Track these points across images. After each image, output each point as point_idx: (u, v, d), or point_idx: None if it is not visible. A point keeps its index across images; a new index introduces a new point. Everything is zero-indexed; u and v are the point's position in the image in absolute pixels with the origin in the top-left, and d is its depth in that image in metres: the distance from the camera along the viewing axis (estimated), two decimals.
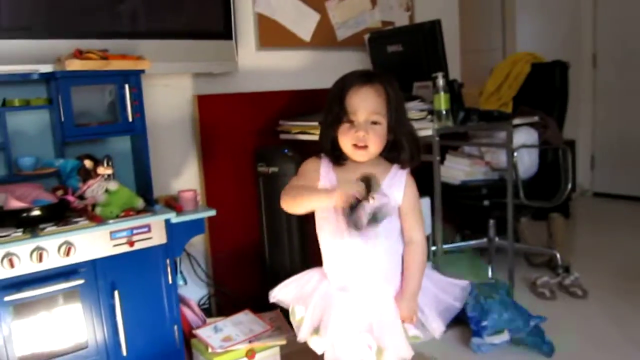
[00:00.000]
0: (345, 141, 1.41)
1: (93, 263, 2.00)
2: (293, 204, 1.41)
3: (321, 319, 1.46)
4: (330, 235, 1.47)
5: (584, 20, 5.01)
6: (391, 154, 1.47)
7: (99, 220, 2.00)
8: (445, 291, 1.53)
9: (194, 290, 2.67)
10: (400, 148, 1.46)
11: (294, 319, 1.54)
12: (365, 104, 1.39)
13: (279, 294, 1.57)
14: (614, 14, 4.84)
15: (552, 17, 4.82)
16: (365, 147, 1.40)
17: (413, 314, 1.46)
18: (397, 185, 1.47)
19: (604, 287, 2.89)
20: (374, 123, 1.40)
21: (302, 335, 1.49)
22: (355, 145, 1.41)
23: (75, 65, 2.02)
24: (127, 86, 2.15)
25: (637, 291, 2.83)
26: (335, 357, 1.46)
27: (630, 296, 2.78)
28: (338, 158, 1.47)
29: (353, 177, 1.41)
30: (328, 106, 1.45)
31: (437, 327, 1.50)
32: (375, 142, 1.41)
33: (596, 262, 3.31)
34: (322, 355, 1.51)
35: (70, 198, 2.08)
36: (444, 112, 2.43)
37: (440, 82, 2.43)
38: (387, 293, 1.47)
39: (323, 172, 1.47)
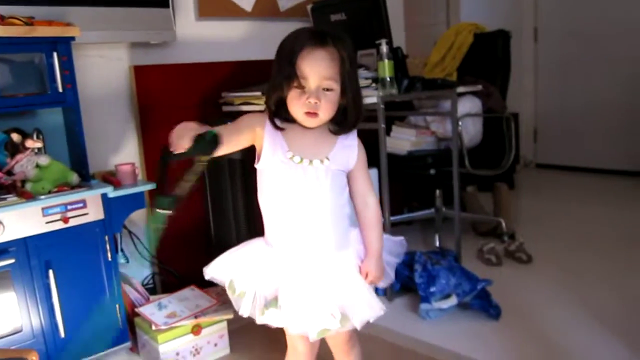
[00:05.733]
0: (296, 107, 1.32)
1: (24, 242, 1.89)
2: None
3: (276, 291, 1.39)
4: (274, 199, 1.41)
5: None
6: (338, 120, 1.39)
7: (29, 197, 1.90)
8: (385, 248, 1.51)
9: (137, 269, 2.58)
10: (347, 112, 1.39)
11: (232, 294, 1.44)
12: (318, 70, 1.29)
13: (214, 270, 1.47)
14: None
15: None
16: (317, 114, 1.32)
17: (382, 272, 1.45)
18: (350, 147, 1.41)
19: (547, 252, 2.96)
20: (326, 89, 1.31)
21: (246, 309, 1.41)
22: (307, 112, 1.32)
23: None
24: (55, 54, 2.03)
25: (578, 255, 2.92)
26: (297, 329, 1.40)
27: (572, 260, 2.86)
28: (282, 120, 1.38)
29: (303, 142, 1.36)
30: (277, 67, 1.34)
31: (383, 282, 1.49)
32: (327, 110, 1.33)
33: (540, 229, 3.39)
34: (272, 328, 1.45)
35: None
36: (388, 79, 2.40)
37: (384, 49, 2.41)
38: (344, 256, 1.43)
39: (269, 134, 1.37)
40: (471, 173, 2.95)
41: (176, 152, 1.21)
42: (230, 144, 1.33)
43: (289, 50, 1.31)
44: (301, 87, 1.31)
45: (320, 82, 1.31)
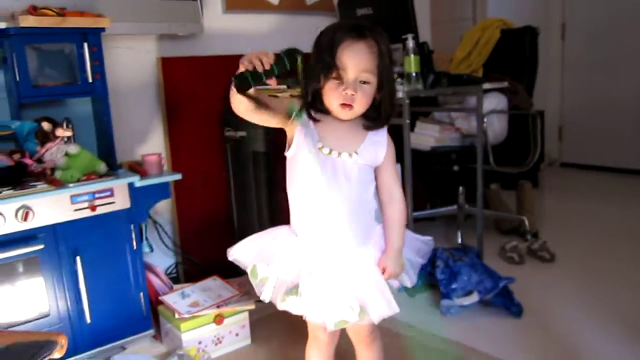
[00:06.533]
0: (333, 99, 1.34)
1: (53, 228, 1.93)
2: (232, 98, 1.31)
3: (297, 279, 1.40)
4: (301, 188, 1.42)
5: None
6: (371, 116, 1.40)
7: (58, 184, 1.93)
8: (410, 246, 1.51)
9: (161, 258, 2.62)
10: (380, 108, 1.40)
11: (254, 279, 1.46)
12: (357, 62, 1.31)
13: (238, 252, 1.49)
14: None
15: None
16: (351, 106, 1.33)
17: (401, 269, 1.44)
18: (380, 143, 1.42)
19: (570, 251, 2.93)
20: (364, 82, 1.33)
21: (267, 295, 1.42)
22: (342, 104, 1.34)
23: (29, 21, 1.92)
24: (86, 45, 2.06)
25: (601, 255, 2.89)
26: (315, 318, 1.41)
27: (595, 260, 2.83)
28: (317, 111, 1.39)
29: (334, 134, 1.37)
30: (315, 57, 1.35)
31: (407, 280, 1.49)
32: (362, 103, 1.34)
33: (563, 228, 3.35)
34: (293, 318, 1.46)
35: (28, 161, 2.00)
36: (414, 74, 2.40)
37: (410, 44, 2.40)
38: (365, 251, 1.43)
39: (303, 122, 1.38)
40: (495, 170, 2.94)
41: (259, 71, 1.20)
42: (268, 110, 1.33)
43: (330, 41, 1.32)
44: (339, 78, 1.32)
45: (359, 74, 1.32)
